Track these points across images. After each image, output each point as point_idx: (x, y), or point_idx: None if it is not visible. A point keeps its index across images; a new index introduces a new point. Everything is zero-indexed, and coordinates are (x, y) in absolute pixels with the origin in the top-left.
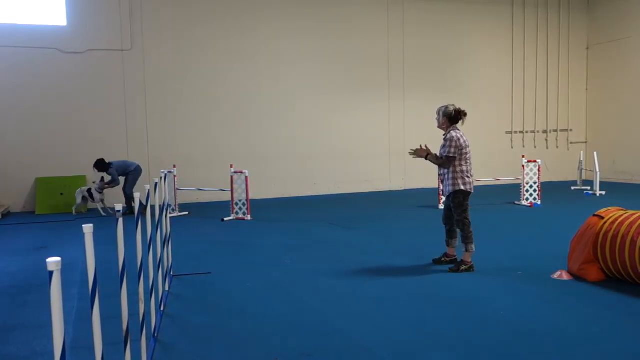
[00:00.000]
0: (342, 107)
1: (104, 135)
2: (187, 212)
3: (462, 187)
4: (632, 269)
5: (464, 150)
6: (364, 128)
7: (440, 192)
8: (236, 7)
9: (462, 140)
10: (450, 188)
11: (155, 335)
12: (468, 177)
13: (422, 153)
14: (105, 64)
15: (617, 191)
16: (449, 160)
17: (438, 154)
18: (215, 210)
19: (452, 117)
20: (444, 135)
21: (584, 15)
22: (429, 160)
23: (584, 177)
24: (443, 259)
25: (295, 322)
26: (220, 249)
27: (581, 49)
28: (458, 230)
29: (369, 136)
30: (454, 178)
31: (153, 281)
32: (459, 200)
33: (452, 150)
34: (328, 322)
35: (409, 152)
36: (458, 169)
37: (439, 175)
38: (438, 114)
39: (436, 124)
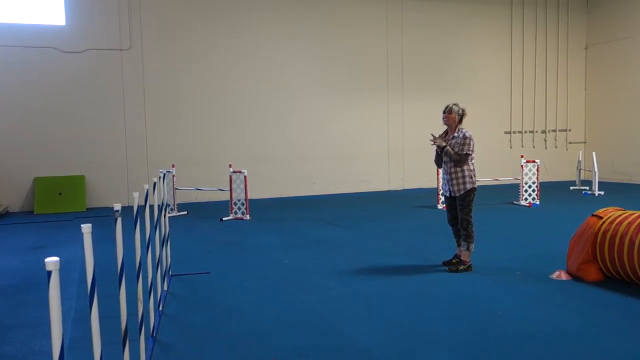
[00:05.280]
0: (341, 107)
1: (102, 134)
2: (185, 212)
3: (474, 185)
4: (630, 269)
5: (474, 149)
6: (362, 128)
7: (443, 192)
8: (235, 7)
9: (475, 139)
10: (463, 187)
11: (154, 334)
12: (475, 174)
13: (442, 143)
14: (104, 63)
15: (616, 191)
16: (466, 157)
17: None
18: (213, 210)
19: (461, 116)
20: (452, 134)
21: (582, 15)
22: (444, 153)
23: (582, 177)
24: (454, 260)
25: (294, 322)
26: (219, 248)
27: (580, 49)
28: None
29: (367, 136)
30: (469, 177)
31: (151, 281)
32: (469, 199)
33: (471, 148)
34: (326, 322)
35: (430, 138)
36: (472, 167)
37: (448, 174)
38: (450, 112)
39: (444, 121)
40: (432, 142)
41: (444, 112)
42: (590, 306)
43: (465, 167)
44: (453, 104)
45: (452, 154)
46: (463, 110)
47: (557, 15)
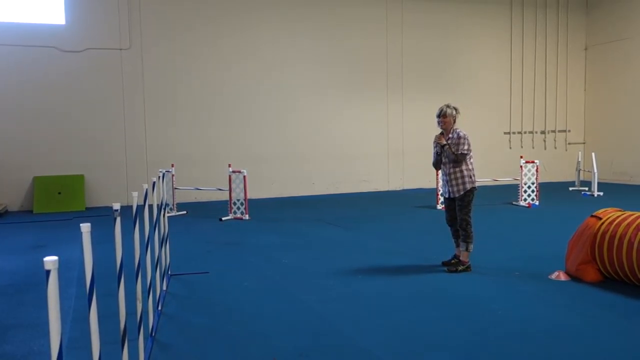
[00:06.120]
0: (341, 107)
1: (102, 134)
2: (184, 212)
3: (474, 185)
4: (629, 270)
5: (471, 148)
6: (362, 128)
7: (442, 194)
8: (235, 7)
9: (470, 139)
10: (462, 187)
11: (153, 334)
12: (474, 174)
13: (443, 141)
14: (103, 62)
15: (615, 192)
16: (463, 157)
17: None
18: (213, 210)
19: (456, 116)
20: (448, 135)
21: (582, 16)
22: (445, 151)
23: (582, 178)
24: (453, 261)
25: (293, 322)
26: (218, 248)
27: (579, 50)
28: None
29: (367, 136)
30: (469, 177)
31: (151, 280)
32: (469, 199)
33: (467, 147)
34: (326, 322)
35: (436, 138)
36: (470, 166)
37: (447, 175)
38: (445, 116)
39: (440, 125)
40: (436, 142)
41: (438, 117)
42: (589, 306)
43: (464, 167)
44: (446, 107)
45: (451, 152)
46: (456, 110)
47: (557, 16)
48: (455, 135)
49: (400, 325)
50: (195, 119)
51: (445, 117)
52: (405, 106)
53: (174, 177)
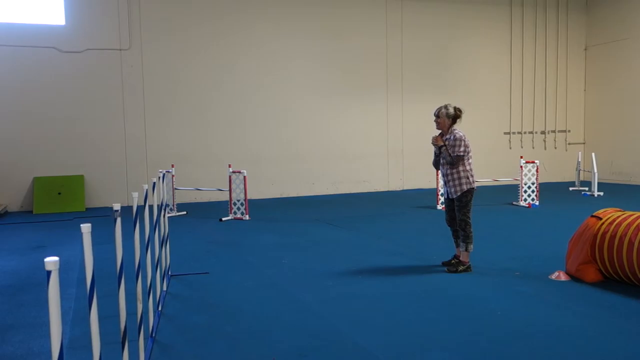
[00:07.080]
0: (341, 107)
1: (101, 134)
2: (184, 212)
3: (472, 186)
4: (629, 270)
5: (468, 149)
6: (362, 128)
7: (442, 194)
8: (234, 6)
9: (467, 140)
10: (459, 188)
11: (153, 335)
12: (473, 175)
13: (440, 142)
14: (103, 63)
15: (615, 192)
16: (459, 159)
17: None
18: (213, 210)
19: (453, 117)
20: (445, 136)
21: (582, 16)
22: (442, 152)
23: (581, 178)
24: (453, 261)
25: (293, 322)
26: (218, 249)
27: (579, 50)
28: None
29: (367, 136)
30: (466, 177)
31: (151, 281)
32: (467, 199)
33: (462, 149)
34: (326, 322)
35: (432, 139)
36: (467, 167)
37: (445, 176)
38: (438, 116)
39: (435, 126)
40: (433, 143)
41: (434, 116)
42: (589, 306)
43: (460, 169)
44: (443, 107)
45: (447, 154)
46: (456, 110)
47: (557, 16)
48: (452, 137)
49: (400, 325)
50: (195, 119)
51: (438, 118)
52: (405, 106)
53: (174, 178)
